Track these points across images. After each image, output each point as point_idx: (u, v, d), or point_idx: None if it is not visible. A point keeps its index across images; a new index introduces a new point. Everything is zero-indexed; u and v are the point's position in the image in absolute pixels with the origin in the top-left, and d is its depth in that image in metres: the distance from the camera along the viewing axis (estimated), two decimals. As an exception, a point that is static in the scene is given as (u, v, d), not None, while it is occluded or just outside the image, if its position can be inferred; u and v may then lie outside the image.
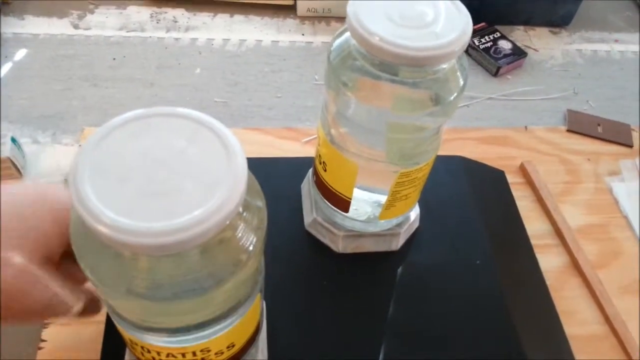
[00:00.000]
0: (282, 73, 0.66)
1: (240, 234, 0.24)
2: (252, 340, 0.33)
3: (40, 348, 0.42)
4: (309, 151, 0.58)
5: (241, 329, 0.30)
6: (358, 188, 0.39)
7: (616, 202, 0.58)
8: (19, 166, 0.53)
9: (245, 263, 0.24)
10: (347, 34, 0.33)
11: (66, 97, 0.61)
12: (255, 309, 0.31)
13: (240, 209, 0.23)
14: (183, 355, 0.28)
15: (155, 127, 0.23)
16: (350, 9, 0.31)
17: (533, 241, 0.52)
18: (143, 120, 0.23)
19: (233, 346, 0.30)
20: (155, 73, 0.65)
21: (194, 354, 0.28)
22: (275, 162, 0.52)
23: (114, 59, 0.66)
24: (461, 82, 0.34)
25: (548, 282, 0.50)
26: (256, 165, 0.51)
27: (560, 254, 0.53)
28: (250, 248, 0.24)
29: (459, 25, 0.30)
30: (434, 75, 0.32)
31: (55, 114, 0.60)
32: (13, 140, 0.53)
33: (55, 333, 0.43)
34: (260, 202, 0.26)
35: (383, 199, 0.39)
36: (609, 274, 0.51)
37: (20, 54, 0.65)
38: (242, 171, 0.21)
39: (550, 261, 0.52)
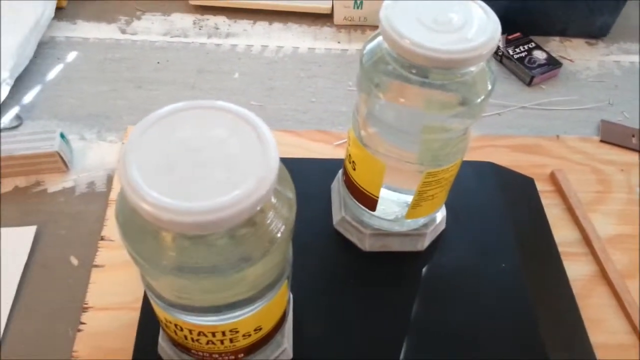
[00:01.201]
0: (317, 79, 0.68)
1: (270, 220, 0.25)
2: (278, 326, 0.35)
3: (79, 330, 0.44)
4: (339, 154, 0.59)
5: (268, 313, 0.31)
6: (385, 188, 0.40)
7: (648, 213, 0.58)
8: (66, 160, 0.56)
9: (273, 248, 0.25)
10: (379, 38, 0.35)
11: (112, 97, 0.65)
12: (282, 296, 0.32)
13: (272, 198, 0.25)
14: (213, 334, 0.30)
15: (196, 118, 0.25)
16: (383, 13, 0.32)
17: (561, 249, 0.53)
18: (186, 112, 0.25)
19: (260, 329, 0.32)
20: (196, 77, 0.67)
21: (223, 333, 0.30)
22: (307, 163, 0.54)
23: (158, 62, 0.69)
24: (489, 86, 0.35)
25: (575, 291, 0.50)
26: (289, 165, 0.53)
27: (589, 263, 0.53)
28: (279, 235, 0.26)
29: (488, 30, 0.32)
30: (462, 78, 0.33)
31: (102, 113, 0.63)
32: (62, 136, 0.56)
33: (93, 317, 0.45)
34: (290, 194, 0.27)
35: (409, 199, 0.41)
36: (638, 284, 0.51)
37: (71, 56, 0.69)
38: (274, 161, 0.23)
39: (578, 269, 0.52)
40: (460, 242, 0.47)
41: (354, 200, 0.43)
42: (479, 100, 0.34)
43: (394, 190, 0.41)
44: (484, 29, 0.32)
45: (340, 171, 0.48)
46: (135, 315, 0.44)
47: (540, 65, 0.71)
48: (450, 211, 0.48)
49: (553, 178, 0.60)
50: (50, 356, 0.42)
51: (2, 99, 0.60)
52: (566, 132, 0.65)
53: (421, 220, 0.44)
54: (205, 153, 0.23)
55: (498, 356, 0.42)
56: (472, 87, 0.34)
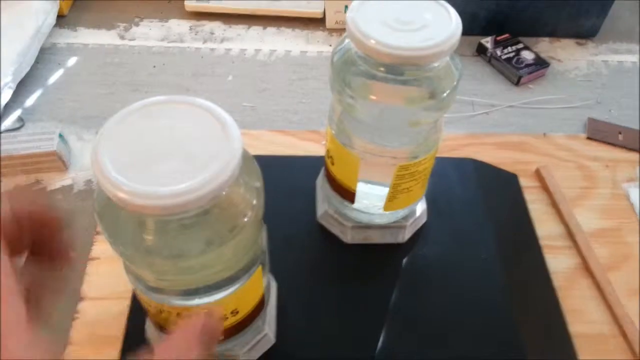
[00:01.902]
0: (308, 81, 0.70)
1: (235, 206, 0.27)
2: (256, 311, 0.36)
3: (74, 319, 0.46)
4: (329, 152, 0.61)
5: (243, 297, 0.33)
6: (362, 182, 0.42)
7: (632, 207, 0.59)
8: (65, 160, 0.58)
9: (239, 231, 0.27)
10: (348, 39, 0.36)
11: (110, 100, 0.67)
12: (257, 281, 0.34)
13: (238, 185, 0.27)
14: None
15: (166, 111, 0.27)
16: (349, 15, 0.34)
17: (545, 243, 0.54)
18: (156, 106, 0.27)
19: (237, 312, 0.34)
20: (191, 80, 0.70)
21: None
22: (295, 160, 0.55)
23: (154, 66, 0.71)
24: (455, 81, 0.36)
25: (557, 283, 0.51)
26: (278, 162, 0.55)
27: (572, 256, 0.54)
28: (245, 219, 0.27)
29: (449, 28, 0.33)
30: (427, 73, 0.35)
31: (99, 115, 0.65)
32: (61, 136, 0.58)
33: (88, 307, 0.47)
34: (257, 183, 0.29)
35: (386, 191, 0.42)
36: (620, 276, 0.52)
37: (72, 61, 0.72)
38: (237, 150, 0.25)
39: (561, 262, 0.53)
40: (441, 235, 0.49)
41: (335, 193, 0.45)
42: (444, 94, 0.36)
43: (371, 184, 0.42)
44: (446, 27, 0.33)
45: (324, 166, 0.50)
46: (127, 305, 0.46)
47: (527, 65, 0.72)
48: (432, 205, 0.50)
49: (538, 174, 0.61)
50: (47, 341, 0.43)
51: (5, 102, 0.63)
52: (553, 130, 0.67)
53: (400, 213, 0.46)
54: (173, 143, 0.25)
55: (477, 346, 0.43)
56: (438, 82, 0.36)
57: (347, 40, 0.37)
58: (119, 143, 0.25)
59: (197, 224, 0.26)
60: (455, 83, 0.36)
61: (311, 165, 0.54)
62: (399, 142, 0.39)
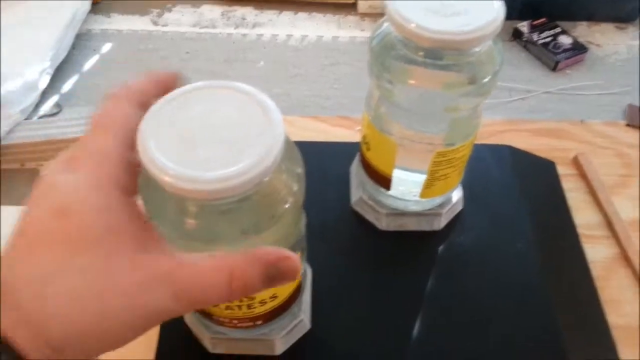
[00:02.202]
0: (340, 66, 0.70)
1: (277, 192, 0.27)
2: (294, 297, 0.37)
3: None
4: (360, 139, 0.60)
5: None
6: (399, 168, 0.42)
7: (673, 197, 0.57)
8: (101, 145, 0.59)
9: (280, 218, 0.27)
10: (387, 23, 0.36)
11: (144, 86, 0.68)
12: None
13: (280, 171, 0.27)
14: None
15: (208, 97, 0.27)
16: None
17: (583, 232, 0.53)
18: (198, 91, 0.27)
19: (276, 297, 0.34)
20: (223, 66, 0.70)
21: (241, 299, 0.32)
22: (328, 146, 0.55)
23: (187, 52, 0.72)
24: (497, 66, 0.36)
25: (595, 273, 0.50)
26: (311, 148, 0.55)
27: (610, 246, 0.53)
28: (286, 206, 0.27)
29: (491, 12, 0.33)
30: (469, 58, 0.35)
31: (134, 101, 0.66)
32: (97, 122, 0.59)
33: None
34: (299, 169, 0.29)
35: (422, 178, 0.42)
36: (660, 267, 0.51)
37: (106, 47, 0.73)
38: (280, 135, 0.25)
39: (599, 252, 0.52)
40: (476, 223, 0.48)
41: (370, 180, 0.45)
42: (486, 79, 0.35)
43: (407, 170, 0.42)
44: (488, 10, 0.33)
45: (358, 152, 0.50)
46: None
47: (565, 50, 0.71)
48: (468, 192, 0.49)
49: (576, 162, 0.60)
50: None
51: (43, 88, 0.64)
52: (591, 117, 0.65)
53: (437, 200, 0.45)
54: (216, 128, 0.25)
55: (513, 335, 0.43)
56: (479, 67, 0.35)
57: (385, 24, 0.37)
58: (163, 127, 0.25)
59: (239, 209, 0.26)
60: (497, 68, 0.36)
61: (344, 152, 0.54)
62: (437, 128, 0.38)
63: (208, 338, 0.39)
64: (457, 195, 0.48)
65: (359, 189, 0.48)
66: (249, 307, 0.34)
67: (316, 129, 0.62)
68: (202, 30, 0.74)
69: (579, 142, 0.62)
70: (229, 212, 0.26)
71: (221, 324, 0.36)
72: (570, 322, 0.45)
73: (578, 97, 0.67)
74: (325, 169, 0.53)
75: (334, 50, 0.71)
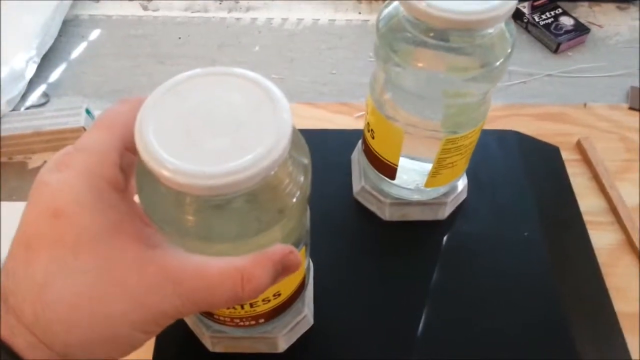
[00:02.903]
0: (337, 50, 0.68)
1: (284, 185, 0.26)
2: (297, 293, 0.35)
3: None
4: (361, 125, 0.59)
5: (287, 279, 0.32)
6: (404, 157, 0.40)
7: (678, 181, 0.56)
8: (92, 136, 0.57)
9: (288, 213, 0.26)
10: (395, 3, 0.34)
11: (135, 73, 0.66)
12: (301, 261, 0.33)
13: (287, 163, 0.25)
14: None
15: (209, 84, 0.25)
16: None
17: (587, 218, 0.52)
18: (200, 79, 0.25)
19: (279, 295, 0.33)
20: (217, 51, 0.68)
21: None
22: (327, 134, 0.54)
23: (179, 38, 0.69)
24: (508, 49, 0.34)
25: (600, 259, 0.49)
26: (309, 136, 0.53)
27: (615, 232, 0.52)
28: (294, 200, 0.26)
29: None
30: (480, 40, 0.33)
31: (125, 89, 0.64)
32: (87, 111, 0.57)
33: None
34: (305, 160, 0.27)
35: (429, 167, 0.40)
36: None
37: (95, 33, 0.70)
38: (288, 125, 0.23)
39: (603, 238, 0.51)
40: (481, 211, 0.47)
41: (374, 169, 0.43)
42: (497, 63, 0.34)
43: (413, 159, 0.41)
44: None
45: (360, 141, 0.48)
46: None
47: (567, 32, 0.69)
48: (472, 180, 0.48)
49: (579, 146, 0.59)
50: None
51: (30, 77, 0.62)
52: (594, 100, 0.64)
53: (442, 189, 0.44)
54: (219, 118, 0.23)
55: (519, 323, 0.42)
56: (490, 50, 0.33)
57: (393, 5, 0.35)
58: (162, 118, 0.23)
59: (244, 205, 0.25)
60: (509, 51, 0.34)
61: (344, 140, 0.53)
62: (446, 114, 0.37)
63: (208, 337, 0.37)
64: (462, 183, 0.46)
65: (361, 179, 0.46)
66: (251, 305, 0.32)
67: (314, 116, 0.61)
68: (194, 15, 0.72)
69: (582, 126, 0.61)
70: (232, 208, 0.25)
71: (222, 323, 0.35)
72: (577, 310, 0.44)
73: (580, 79, 0.66)
74: (324, 157, 0.51)
75: (331, 35, 0.69)
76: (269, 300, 0.32)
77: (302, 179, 0.27)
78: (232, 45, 0.68)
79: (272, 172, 0.23)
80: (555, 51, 0.68)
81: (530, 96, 0.64)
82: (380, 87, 0.38)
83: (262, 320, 0.35)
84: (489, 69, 0.34)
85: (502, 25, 0.34)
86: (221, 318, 0.34)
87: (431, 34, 0.33)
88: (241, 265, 0.22)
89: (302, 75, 0.65)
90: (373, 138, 0.41)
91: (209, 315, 0.34)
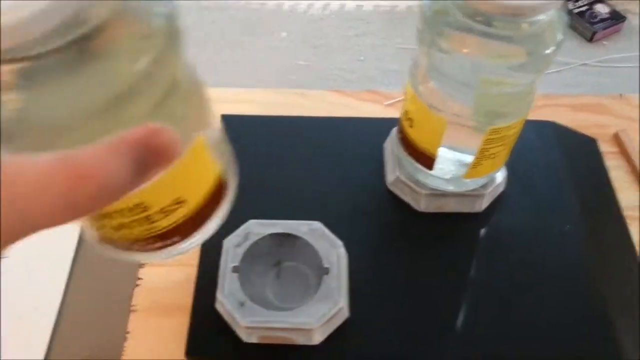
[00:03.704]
0: (365, 37, 0.66)
1: (120, 44, 0.19)
2: (213, 201, 0.28)
3: (137, 285, 0.45)
4: (391, 113, 0.57)
5: (184, 179, 0.25)
6: (444, 147, 0.39)
7: None
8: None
9: (139, 92, 0.20)
10: (442, -15, 0.33)
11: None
12: (199, 156, 0.25)
13: (125, 12, 0.19)
14: (121, 213, 0.24)
15: None
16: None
17: (626, 212, 0.50)
18: None
19: (182, 203, 0.25)
20: (242, 36, 0.66)
21: (131, 209, 0.24)
22: (357, 122, 0.52)
23: (205, 22, 0.68)
24: (559, 36, 0.33)
25: None
26: (339, 124, 0.52)
27: (654, 227, 0.50)
28: (138, 66, 0.19)
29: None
30: (530, 27, 0.31)
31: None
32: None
33: (150, 273, 0.46)
34: (162, 9, 0.21)
35: (468, 158, 0.39)
36: None
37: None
38: None
39: (643, 233, 0.49)
40: (519, 204, 0.46)
41: (410, 159, 0.42)
42: (548, 51, 0.32)
43: (453, 149, 0.39)
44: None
45: (395, 129, 0.47)
46: (189, 272, 0.45)
47: (602, 20, 0.67)
48: (510, 171, 0.46)
49: (617, 139, 0.57)
50: (110, 309, 0.43)
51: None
52: (630, 90, 0.62)
53: (480, 181, 0.42)
54: None
55: (558, 319, 0.40)
56: (541, 37, 0.32)
57: (439, -13, 0.33)
58: None
59: (74, 64, 0.18)
60: (560, 38, 0.32)
61: (375, 128, 0.51)
62: (492, 103, 0.35)
63: (242, 327, 0.36)
64: (500, 175, 0.45)
65: (395, 168, 0.45)
66: (148, 220, 0.25)
67: (342, 103, 0.59)
68: (220, 1, 0.70)
69: (618, 118, 0.59)
70: (54, 76, 0.18)
71: (129, 249, 0.28)
72: (618, 307, 0.43)
73: (616, 69, 0.64)
74: (355, 146, 0.50)
75: (358, 21, 0.67)
76: (170, 211, 0.25)
77: (157, 36, 0.20)
78: (258, 31, 0.67)
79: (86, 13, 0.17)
80: (590, 40, 0.66)
81: (565, 86, 0.62)
82: (421, 74, 0.37)
83: (176, 239, 0.28)
84: (537, 57, 0.32)
85: (554, 11, 0.32)
86: (124, 243, 0.27)
87: (479, 19, 0.31)
88: (80, 155, 0.15)
89: (329, 62, 0.64)
90: (411, 127, 0.39)
91: (108, 240, 0.27)
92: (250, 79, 0.61)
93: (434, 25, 0.33)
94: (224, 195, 0.29)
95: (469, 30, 0.32)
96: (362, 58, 0.64)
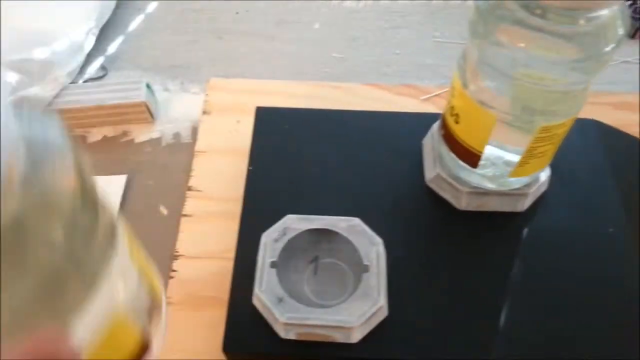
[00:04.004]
0: (400, 30, 0.65)
1: None
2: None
3: (171, 277, 0.45)
4: (427, 108, 0.57)
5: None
6: (490, 145, 0.38)
7: None
8: (152, 111, 0.56)
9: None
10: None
11: (193, 48, 0.64)
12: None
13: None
14: None
15: None
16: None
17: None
18: None
19: None
20: (276, 28, 0.66)
21: None
22: (395, 117, 0.51)
23: (237, 13, 0.67)
24: (620, 31, 0.31)
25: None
26: (375, 119, 0.51)
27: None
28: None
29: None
30: (590, 22, 0.30)
31: (183, 64, 0.62)
32: (148, 86, 0.56)
33: (184, 265, 0.46)
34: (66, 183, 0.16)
35: (513, 157, 0.38)
36: None
37: (152, 6, 0.69)
38: None
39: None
40: (562, 204, 0.44)
41: (453, 156, 0.41)
42: (608, 48, 0.31)
43: (499, 147, 0.38)
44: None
45: (436, 125, 0.46)
46: (225, 265, 0.44)
47: (646, 15, 0.65)
48: (553, 170, 0.45)
49: (660, 139, 0.55)
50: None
51: (89, 49, 0.61)
52: (674, 90, 0.60)
53: (525, 179, 0.41)
54: None
55: (602, 323, 0.39)
56: (602, 33, 0.31)
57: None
58: None
59: None
60: (621, 34, 0.31)
61: (413, 123, 0.50)
62: (546, 101, 0.34)
63: (281, 323, 0.36)
64: (544, 174, 0.44)
65: (436, 165, 0.44)
66: None
67: (378, 97, 0.59)
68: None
69: (662, 117, 0.57)
70: None
71: None
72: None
73: (659, 67, 0.62)
74: (392, 141, 0.49)
75: (394, 13, 0.66)
76: None
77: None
78: (291, 22, 0.66)
79: None
80: (633, 36, 0.64)
81: (606, 83, 0.60)
82: (471, 69, 0.36)
83: None
84: (597, 54, 0.31)
85: (616, 7, 0.31)
86: None
87: (538, 11, 0.30)
88: None
89: (364, 54, 0.63)
90: (457, 123, 0.38)
91: None
92: (284, 71, 0.60)
93: (489, 18, 0.32)
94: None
95: (525, 24, 0.31)
96: (397, 51, 0.63)
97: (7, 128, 0.14)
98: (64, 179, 0.17)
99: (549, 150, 0.38)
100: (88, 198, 0.18)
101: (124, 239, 0.21)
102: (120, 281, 0.20)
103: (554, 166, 0.45)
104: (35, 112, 0.17)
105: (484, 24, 0.32)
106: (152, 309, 0.24)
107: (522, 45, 0.31)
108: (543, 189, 0.44)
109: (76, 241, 0.17)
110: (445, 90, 0.59)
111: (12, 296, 0.15)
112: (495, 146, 0.38)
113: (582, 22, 0.30)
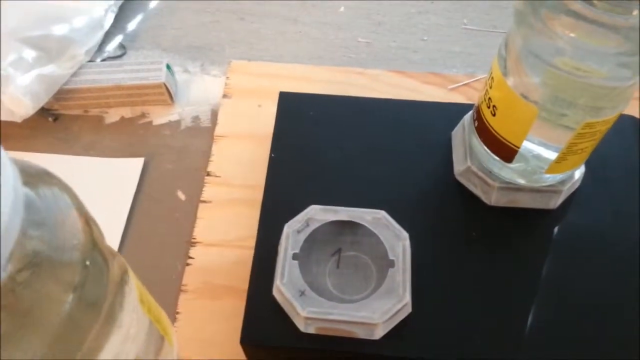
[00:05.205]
0: (428, 15, 0.63)
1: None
2: None
3: (188, 264, 0.44)
4: (454, 98, 0.55)
5: None
6: (528, 139, 0.36)
7: None
8: (172, 93, 0.55)
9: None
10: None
11: (214, 29, 0.63)
12: None
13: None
14: None
15: None
16: None
17: None
18: None
19: None
20: (299, 10, 0.64)
21: None
22: (423, 106, 0.50)
23: (259, -7, 0.66)
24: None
25: None
26: (403, 108, 0.50)
27: None
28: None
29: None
30: (646, 11, 0.28)
31: (204, 45, 0.61)
32: (168, 67, 0.55)
33: (202, 252, 0.45)
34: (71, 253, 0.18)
35: (549, 154, 0.36)
36: None
37: (172, -15, 0.67)
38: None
39: None
40: (595, 202, 0.43)
41: (486, 149, 0.39)
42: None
43: (535, 142, 0.36)
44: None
45: (467, 116, 0.44)
46: (243, 254, 0.43)
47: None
48: (586, 168, 0.43)
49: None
50: (160, 287, 0.41)
51: (108, 26, 0.59)
52: None
53: (559, 176, 0.39)
54: None
55: (631, 330, 0.38)
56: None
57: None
58: None
59: None
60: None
61: (440, 113, 0.49)
62: (592, 96, 0.32)
63: (302, 317, 0.35)
64: (579, 171, 0.42)
65: (466, 158, 0.42)
66: None
67: (404, 85, 0.57)
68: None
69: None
70: None
71: None
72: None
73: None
74: (420, 132, 0.48)
75: (421, -2, 0.64)
76: None
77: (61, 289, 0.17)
78: (315, 5, 0.64)
79: None
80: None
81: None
82: (513, 59, 0.34)
83: None
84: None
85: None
86: None
87: (589, 2, 0.28)
88: None
89: (390, 40, 0.61)
90: (494, 115, 0.37)
91: None
92: (306, 55, 0.58)
93: (537, 6, 0.30)
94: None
95: (576, 14, 0.29)
96: (425, 38, 0.61)
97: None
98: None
99: (589, 147, 0.36)
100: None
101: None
102: (133, 327, 0.22)
103: (587, 163, 0.43)
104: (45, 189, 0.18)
105: (533, 12, 0.30)
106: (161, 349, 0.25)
107: (572, 34, 0.29)
108: (576, 186, 0.42)
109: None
110: (474, 79, 0.56)
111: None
112: (531, 141, 0.36)
113: (635, 12, 0.28)
